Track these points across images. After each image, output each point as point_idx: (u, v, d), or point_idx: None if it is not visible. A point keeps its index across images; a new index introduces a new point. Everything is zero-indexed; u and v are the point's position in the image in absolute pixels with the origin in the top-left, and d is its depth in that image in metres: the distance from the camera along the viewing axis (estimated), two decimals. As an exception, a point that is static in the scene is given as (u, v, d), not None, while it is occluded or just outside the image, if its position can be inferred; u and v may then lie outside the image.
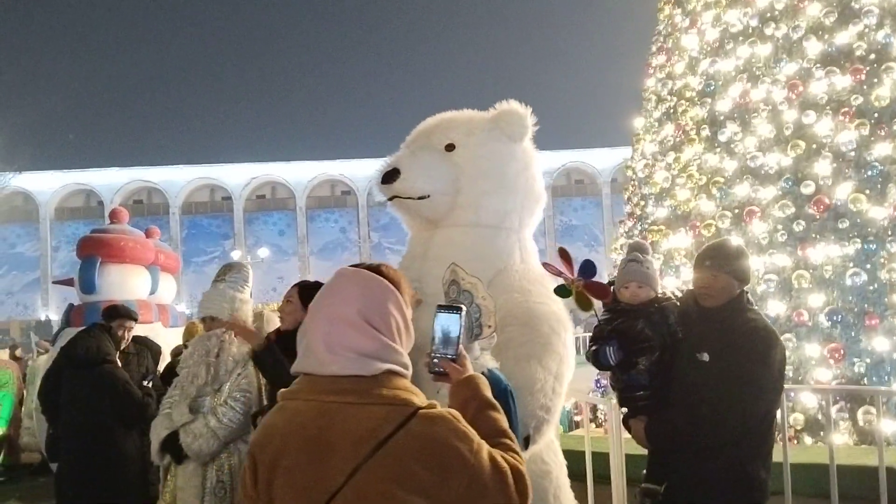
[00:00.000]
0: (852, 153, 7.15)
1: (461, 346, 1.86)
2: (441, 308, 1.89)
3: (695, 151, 8.82)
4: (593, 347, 3.32)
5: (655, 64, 10.46)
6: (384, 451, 1.48)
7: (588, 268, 3.30)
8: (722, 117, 8.50)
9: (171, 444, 3.66)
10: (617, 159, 52.72)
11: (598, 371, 5.49)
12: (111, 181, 52.66)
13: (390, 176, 3.27)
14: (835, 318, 6.90)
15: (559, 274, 3.34)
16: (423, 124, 3.55)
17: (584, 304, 3.29)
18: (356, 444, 1.49)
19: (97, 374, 4.99)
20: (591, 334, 3.53)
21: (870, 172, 6.99)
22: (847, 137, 7.15)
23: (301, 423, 1.58)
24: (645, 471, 3.35)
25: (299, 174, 54.36)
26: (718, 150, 8.46)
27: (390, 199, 3.34)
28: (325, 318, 1.64)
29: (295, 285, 3.91)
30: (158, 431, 3.74)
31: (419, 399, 1.61)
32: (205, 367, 3.69)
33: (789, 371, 6.95)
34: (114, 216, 8.68)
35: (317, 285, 3.87)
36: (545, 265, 3.42)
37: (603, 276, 3.73)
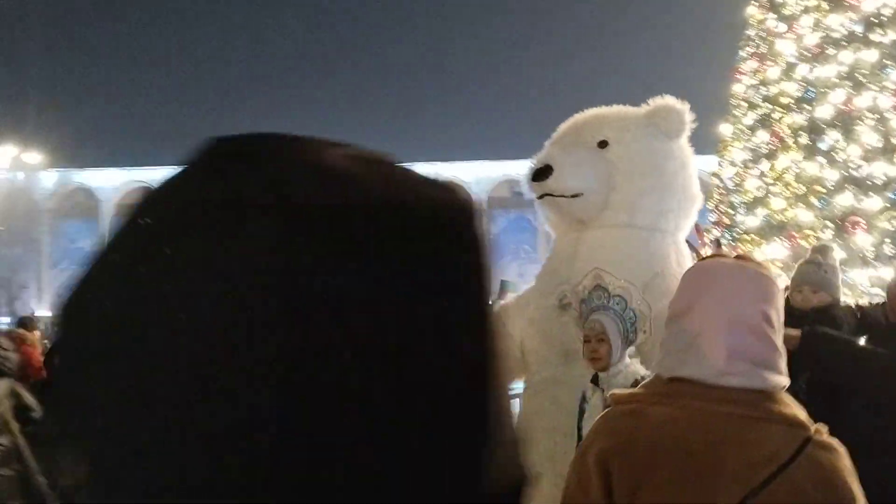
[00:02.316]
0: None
1: None
2: None
3: (792, 159, 8.54)
4: None
5: (746, 69, 10.18)
6: (783, 476, 1.32)
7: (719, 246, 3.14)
8: (822, 124, 8.21)
9: None
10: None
11: None
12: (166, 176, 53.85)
13: (542, 173, 3.16)
14: (948, 336, 6.60)
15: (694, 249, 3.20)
16: (571, 120, 3.44)
17: None
18: (753, 465, 1.33)
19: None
20: None
21: None
22: (963, 147, 6.85)
23: (677, 434, 1.39)
24: None
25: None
26: (818, 158, 8.17)
27: (540, 197, 3.23)
28: (724, 322, 1.43)
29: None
30: None
31: (808, 419, 1.44)
32: None
33: None
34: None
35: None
36: (687, 242, 3.29)
37: None
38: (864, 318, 3.11)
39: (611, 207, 3.15)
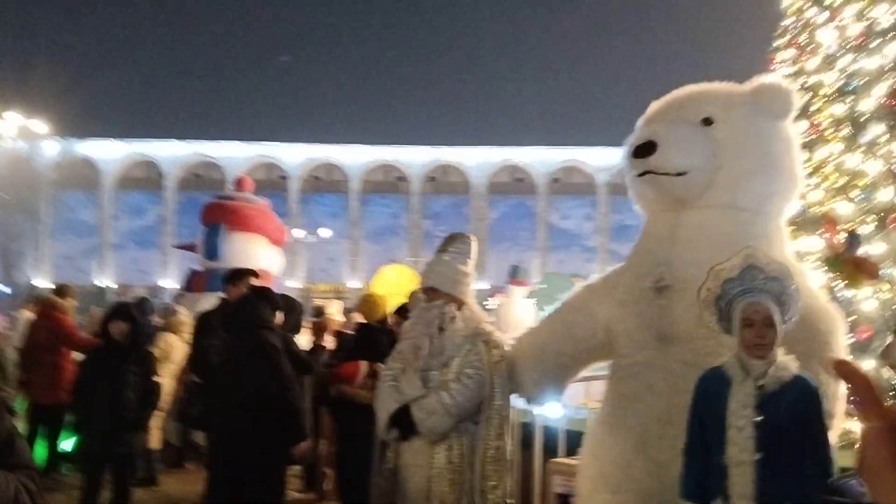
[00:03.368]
0: None
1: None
2: None
3: (830, 151, 8.44)
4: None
5: (781, 58, 10.05)
6: None
7: (853, 241, 3.07)
8: (865, 117, 8.11)
9: (401, 419, 3.50)
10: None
11: None
12: (172, 153, 53.44)
13: (645, 149, 3.08)
14: None
15: (829, 238, 3.14)
16: (670, 96, 3.35)
17: (853, 280, 3.06)
18: None
19: (251, 341, 4.90)
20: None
21: None
22: None
23: None
24: None
25: (355, 157, 54.54)
26: (860, 150, 8.08)
27: (641, 174, 3.14)
28: None
29: None
30: (387, 404, 3.58)
31: None
32: (428, 340, 3.52)
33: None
34: (239, 185, 8.65)
35: None
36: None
37: None
38: None
39: (714, 187, 3.07)
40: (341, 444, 5.76)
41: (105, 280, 50.48)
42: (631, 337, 3.08)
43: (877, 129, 7.97)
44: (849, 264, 3.00)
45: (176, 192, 53.29)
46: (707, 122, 3.13)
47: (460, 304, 3.63)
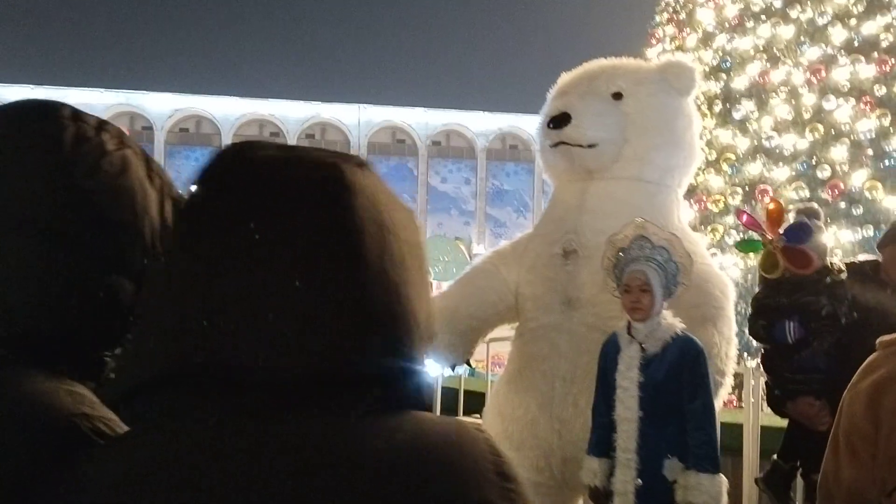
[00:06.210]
0: (871, 141, 7.36)
1: None
2: None
3: (704, 126, 8.89)
4: (762, 322, 3.25)
5: (661, 35, 10.44)
6: None
7: (798, 233, 3.16)
8: (737, 94, 8.58)
9: None
10: (552, 127, 53.09)
11: None
12: (23, 97, 49.38)
13: (560, 121, 3.10)
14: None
15: (756, 228, 3.26)
16: (581, 70, 3.39)
17: (770, 267, 3.20)
18: None
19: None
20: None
21: (887, 162, 7.22)
22: (867, 126, 7.35)
23: None
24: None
25: (227, 111, 52.37)
26: (731, 126, 8.55)
27: (555, 145, 3.17)
28: None
29: None
30: None
31: None
32: None
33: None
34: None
35: None
36: (739, 213, 3.33)
37: None
38: (850, 282, 3.23)
39: (622, 160, 3.14)
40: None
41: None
42: (539, 300, 3.15)
43: (748, 106, 8.50)
44: (772, 252, 3.10)
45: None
46: (617, 96, 3.20)
47: None
